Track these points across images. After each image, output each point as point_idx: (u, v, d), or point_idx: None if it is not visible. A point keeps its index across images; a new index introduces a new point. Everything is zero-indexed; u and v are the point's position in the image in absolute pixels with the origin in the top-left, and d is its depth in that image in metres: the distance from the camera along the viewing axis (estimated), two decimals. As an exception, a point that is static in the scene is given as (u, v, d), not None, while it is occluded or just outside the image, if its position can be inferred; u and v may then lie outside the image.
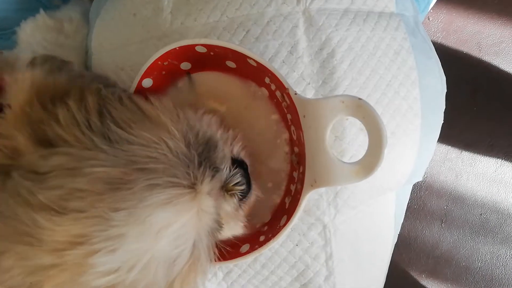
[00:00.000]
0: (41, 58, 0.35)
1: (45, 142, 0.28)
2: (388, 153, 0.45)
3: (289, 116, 0.40)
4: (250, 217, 0.42)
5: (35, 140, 0.28)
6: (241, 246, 0.41)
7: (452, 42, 0.77)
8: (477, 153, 0.77)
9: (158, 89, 0.43)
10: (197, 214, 0.29)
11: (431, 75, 0.48)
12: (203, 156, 0.31)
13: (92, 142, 0.27)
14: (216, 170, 0.32)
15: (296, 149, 0.41)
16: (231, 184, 0.34)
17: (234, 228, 0.39)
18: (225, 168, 0.34)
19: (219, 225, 0.33)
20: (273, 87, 0.40)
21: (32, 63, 0.34)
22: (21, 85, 0.30)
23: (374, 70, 0.44)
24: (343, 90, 0.43)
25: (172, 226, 0.27)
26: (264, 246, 0.39)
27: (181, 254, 0.29)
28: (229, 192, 0.35)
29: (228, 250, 0.41)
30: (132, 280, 0.26)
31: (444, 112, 0.51)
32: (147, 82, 0.42)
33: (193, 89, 0.44)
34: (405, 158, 0.47)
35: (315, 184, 0.35)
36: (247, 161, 0.39)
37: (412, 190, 0.81)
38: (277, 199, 0.43)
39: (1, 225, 0.26)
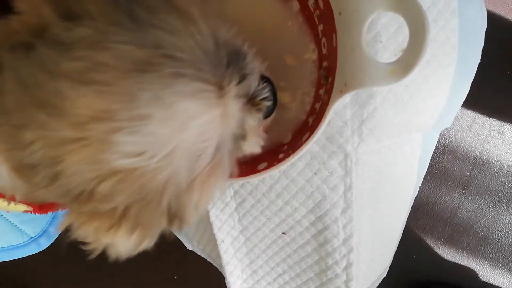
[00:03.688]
0: None
1: (70, 16, 0.26)
2: (421, 84, 0.42)
3: (320, 28, 0.38)
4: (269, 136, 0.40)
5: (60, 14, 0.26)
6: (259, 164, 0.39)
7: (489, 1, 0.73)
8: (506, 120, 0.74)
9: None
10: (222, 115, 0.27)
11: (472, 7, 0.45)
12: (232, 59, 0.29)
13: (119, 19, 0.25)
14: (244, 76, 0.30)
15: (325, 63, 0.38)
16: (259, 98, 0.32)
17: (254, 145, 0.37)
18: (253, 80, 0.32)
19: (243, 135, 0.32)
20: (305, -6, 0.38)
21: None
22: None
23: (413, -7, 0.41)
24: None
25: (198, 119, 0.25)
26: (284, 162, 0.37)
27: (205, 151, 0.27)
28: (256, 107, 0.32)
29: (246, 168, 0.39)
30: (155, 167, 0.25)
31: (475, 75, 0.48)
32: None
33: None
34: (437, 94, 0.44)
35: (345, 89, 0.32)
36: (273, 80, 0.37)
37: (434, 153, 0.78)
38: (300, 118, 0.41)
39: (23, 96, 0.24)
